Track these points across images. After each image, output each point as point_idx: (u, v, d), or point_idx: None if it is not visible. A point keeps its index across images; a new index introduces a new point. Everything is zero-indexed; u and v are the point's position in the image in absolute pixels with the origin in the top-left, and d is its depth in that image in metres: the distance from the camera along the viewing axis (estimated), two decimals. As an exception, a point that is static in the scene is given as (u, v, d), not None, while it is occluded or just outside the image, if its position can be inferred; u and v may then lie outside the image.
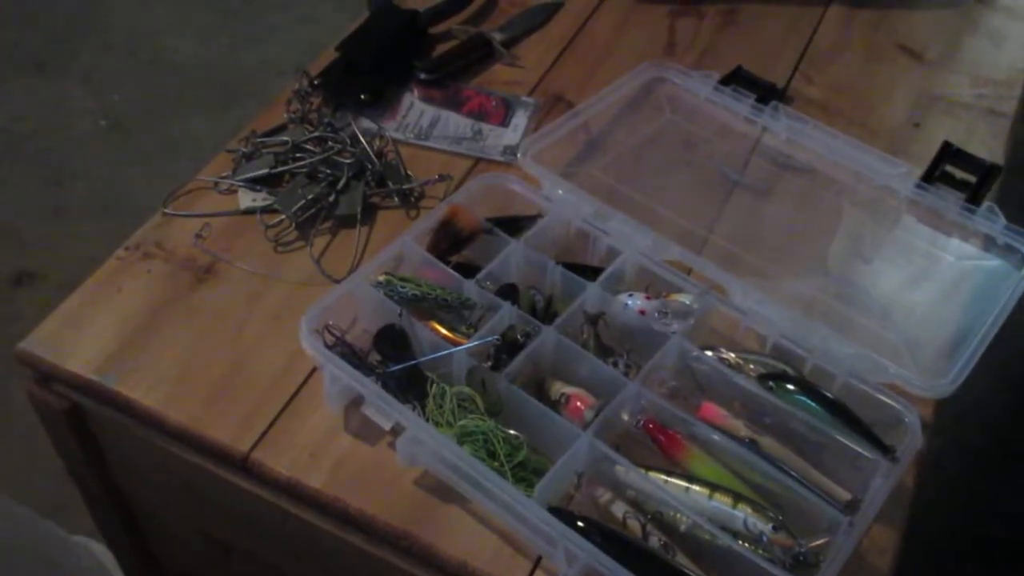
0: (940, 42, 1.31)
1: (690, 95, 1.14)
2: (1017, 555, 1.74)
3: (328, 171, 1.03)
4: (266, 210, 1.01)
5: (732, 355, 0.87)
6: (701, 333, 0.90)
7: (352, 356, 0.83)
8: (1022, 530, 1.77)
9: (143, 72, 2.65)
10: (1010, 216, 1.00)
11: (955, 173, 1.07)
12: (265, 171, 1.03)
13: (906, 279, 1.01)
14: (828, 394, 0.83)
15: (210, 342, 0.91)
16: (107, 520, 1.06)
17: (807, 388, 0.83)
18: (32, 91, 2.59)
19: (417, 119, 1.14)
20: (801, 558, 0.72)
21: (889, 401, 0.82)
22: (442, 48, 1.24)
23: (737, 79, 1.16)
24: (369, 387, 0.79)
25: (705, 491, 0.76)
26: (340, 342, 0.84)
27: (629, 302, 0.88)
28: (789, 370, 0.86)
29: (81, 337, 0.90)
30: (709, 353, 0.86)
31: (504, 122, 1.14)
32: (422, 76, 1.18)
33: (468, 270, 0.90)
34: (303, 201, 1.00)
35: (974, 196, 1.03)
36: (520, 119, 1.15)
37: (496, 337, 0.83)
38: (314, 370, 0.88)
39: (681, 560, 0.73)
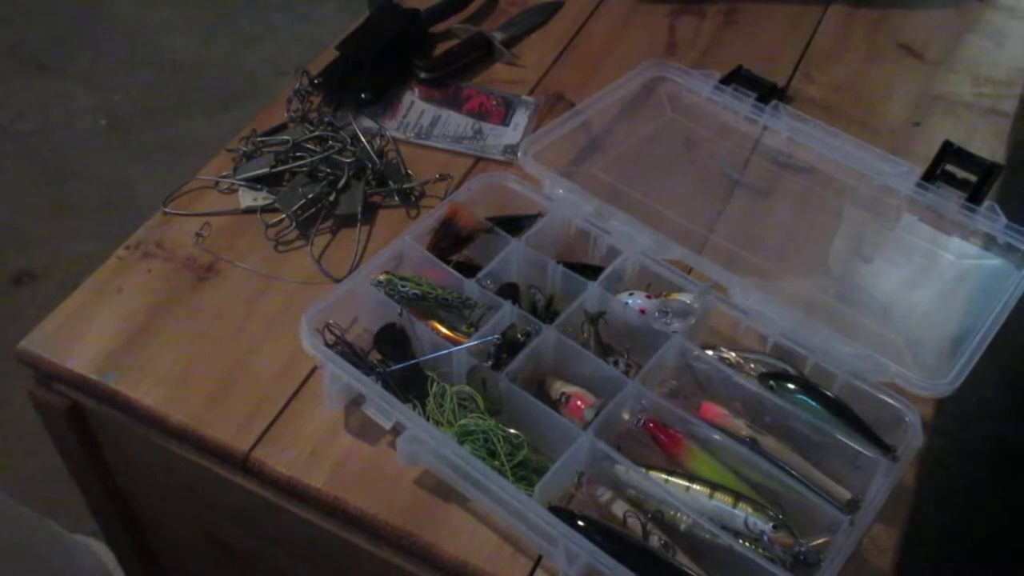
0: (941, 41, 1.31)
1: (691, 94, 1.14)
2: (1018, 554, 1.74)
3: (328, 170, 1.03)
4: (266, 209, 1.01)
5: (733, 354, 0.87)
6: (702, 332, 0.90)
7: (353, 355, 0.83)
8: (1023, 529, 1.77)
9: (144, 71, 2.66)
10: (1011, 215, 1.00)
11: (956, 172, 1.06)
12: (265, 170, 1.03)
13: (907, 278, 1.01)
14: (829, 393, 0.83)
15: (211, 341, 0.91)
16: (107, 519, 1.06)
17: (808, 387, 0.83)
18: (33, 90, 2.59)
19: (418, 118, 1.14)
20: (802, 557, 0.72)
21: (890, 400, 0.82)
22: (443, 47, 1.24)
23: (738, 78, 1.16)
24: (369, 386, 0.79)
25: (706, 490, 0.76)
26: (341, 341, 0.84)
27: (630, 301, 0.88)
28: (790, 369, 0.86)
29: (82, 336, 0.90)
30: (710, 352, 0.86)
31: (505, 121, 1.14)
32: (423, 75, 1.18)
33: (469, 269, 0.90)
34: (303, 200, 1.00)
35: (975, 195, 1.03)
36: (520, 118, 1.15)
37: (496, 336, 0.83)
38: (315, 369, 0.88)
39: (681, 559, 0.73)
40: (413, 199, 1.05)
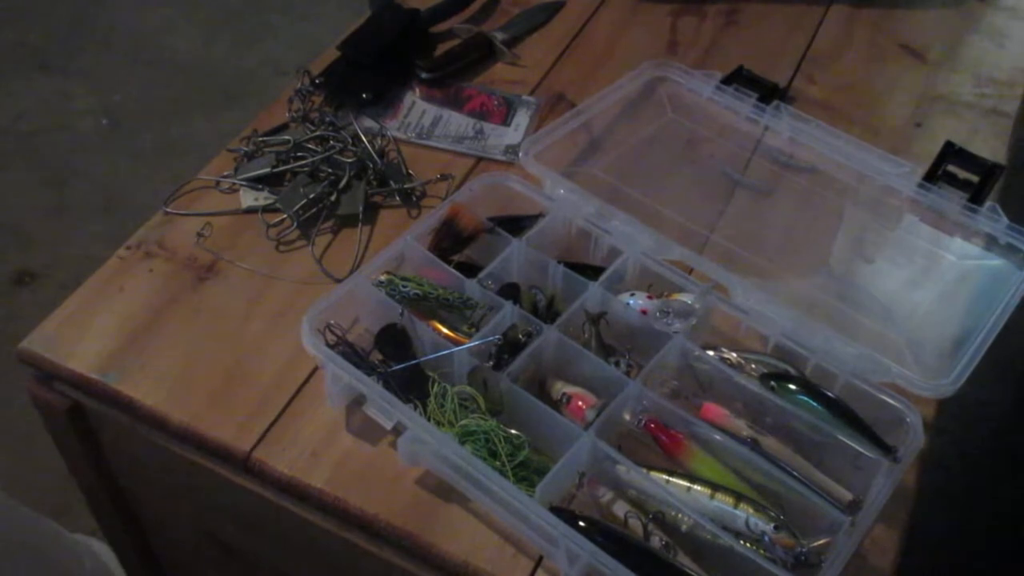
0: (942, 42, 1.31)
1: (692, 94, 1.14)
2: (1019, 555, 1.74)
3: (330, 170, 1.03)
4: (267, 209, 1.01)
5: (734, 355, 0.87)
6: (703, 333, 0.90)
7: (354, 355, 0.83)
8: (1023, 530, 1.77)
9: (144, 71, 2.66)
10: (1012, 216, 1.00)
11: (957, 173, 1.06)
12: (266, 170, 1.03)
13: (908, 279, 1.01)
14: (830, 394, 0.82)
15: (211, 341, 0.91)
16: (108, 519, 1.06)
17: (809, 388, 0.83)
18: (34, 90, 2.59)
19: (419, 118, 1.14)
20: (803, 558, 0.72)
21: (891, 401, 0.82)
22: (444, 47, 1.24)
23: (739, 78, 1.16)
24: (371, 386, 0.79)
25: (707, 491, 0.76)
26: (342, 341, 0.84)
27: (631, 301, 0.88)
28: (791, 370, 0.85)
29: (82, 336, 0.90)
30: (711, 353, 0.86)
31: (506, 121, 1.14)
32: (424, 75, 1.18)
33: (470, 269, 0.90)
34: (304, 200, 1.00)
35: (976, 196, 1.03)
36: (522, 118, 1.15)
37: (498, 336, 0.83)
38: (316, 369, 0.88)
39: (682, 560, 0.73)
40: (414, 199, 1.05)
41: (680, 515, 0.75)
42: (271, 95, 1.17)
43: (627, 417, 0.82)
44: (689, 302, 0.88)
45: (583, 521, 0.73)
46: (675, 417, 0.80)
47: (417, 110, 1.15)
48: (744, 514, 0.74)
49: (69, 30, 2.77)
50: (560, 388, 0.82)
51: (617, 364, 0.84)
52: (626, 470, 0.77)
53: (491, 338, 0.83)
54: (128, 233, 1.00)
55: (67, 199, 2.30)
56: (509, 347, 0.83)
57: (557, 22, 1.31)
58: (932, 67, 1.27)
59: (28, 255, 2.16)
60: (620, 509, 0.76)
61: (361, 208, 1.01)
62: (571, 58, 1.25)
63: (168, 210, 1.02)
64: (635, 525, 0.75)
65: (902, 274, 1.02)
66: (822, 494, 0.76)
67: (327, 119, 1.09)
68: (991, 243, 1.00)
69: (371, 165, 1.04)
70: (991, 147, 1.15)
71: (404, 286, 0.86)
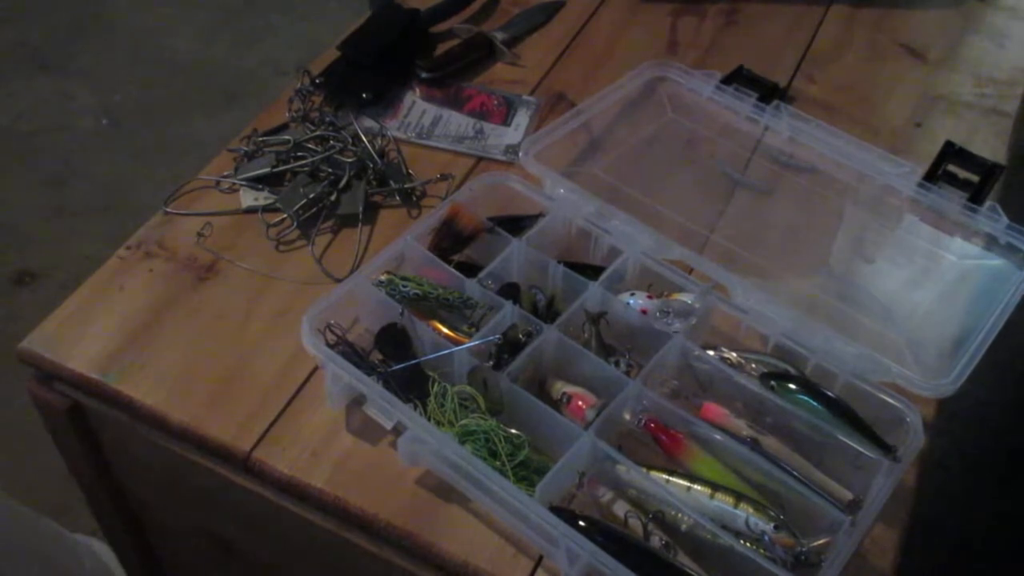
0: (942, 41, 1.31)
1: (692, 94, 1.14)
2: (1018, 555, 1.74)
3: (330, 170, 1.03)
4: (268, 209, 1.01)
5: (734, 354, 0.87)
6: (703, 332, 0.90)
7: (354, 355, 0.83)
8: (1023, 530, 1.77)
9: (145, 71, 2.66)
10: (1012, 215, 1.00)
11: (957, 172, 1.06)
12: (267, 170, 1.03)
13: (908, 278, 1.01)
14: (830, 393, 0.83)
15: (212, 341, 0.91)
16: (108, 519, 1.06)
17: (809, 387, 0.83)
18: (34, 90, 2.59)
19: (419, 118, 1.14)
20: (803, 558, 0.72)
21: (891, 400, 0.82)
22: (444, 47, 1.24)
23: (739, 78, 1.16)
24: (371, 386, 0.79)
25: (707, 490, 0.76)
26: (342, 341, 0.84)
27: (631, 301, 0.88)
28: (791, 369, 0.85)
29: (83, 336, 0.90)
30: (711, 352, 0.86)
31: (506, 121, 1.14)
32: (424, 75, 1.18)
33: (470, 269, 0.90)
34: (304, 200, 1.00)
35: (976, 195, 1.03)
36: (522, 118, 1.15)
37: (498, 336, 0.83)
38: (316, 369, 0.88)
39: (682, 560, 0.73)
40: (414, 199, 1.05)
41: (680, 515, 0.75)
42: (271, 95, 1.17)
43: (627, 417, 0.82)
44: (689, 302, 0.88)
45: (583, 521, 0.73)
46: (675, 417, 0.80)
47: (417, 110, 1.15)
48: (744, 514, 0.74)
49: (69, 30, 2.77)
50: (560, 388, 0.82)
51: (617, 364, 0.84)
52: (626, 470, 0.77)
53: (491, 338, 0.83)
54: (128, 233, 1.00)
55: (67, 199, 2.30)
56: (509, 347, 0.83)
57: (557, 22, 1.31)
58: (932, 67, 1.27)
59: (28, 255, 2.16)
60: (620, 509, 0.76)
61: (361, 208, 1.01)
62: (571, 58, 1.25)
63: (168, 210, 1.02)
64: (635, 525, 0.75)
65: (902, 274, 1.02)
66: (822, 494, 0.76)
67: (327, 119, 1.09)
68: (991, 243, 1.00)
69: (371, 165, 1.04)
70: (991, 147, 1.15)
71: (404, 286, 0.86)
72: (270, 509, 0.84)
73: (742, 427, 0.81)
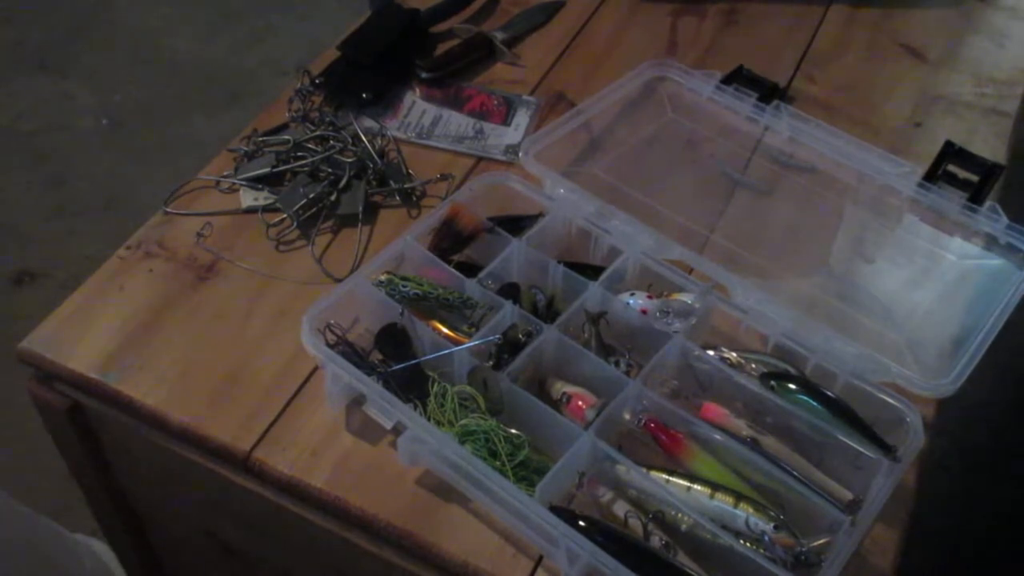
0: (942, 41, 1.31)
1: (692, 94, 1.14)
2: (1018, 555, 1.74)
3: (330, 170, 1.03)
4: (268, 209, 1.01)
5: (734, 354, 0.87)
6: (703, 332, 0.90)
7: (354, 355, 0.83)
8: (1023, 530, 1.77)
9: (145, 71, 2.66)
10: (1012, 215, 1.00)
11: (957, 172, 1.06)
12: (267, 170, 1.03)
13: (908, 278, 1.01)
14: (830, 393, 0.83)
15: (212, 341, 0.91)
16: (108, 519, 1.06)
17: (809, 387, 0.83)
18: (34, 90, 2.59)
19: (419, 118, 1.14)
20: (803, 558, 0.72)
21: (891, 400, 0.82)
22: (444, 47, 1.24)
23: (739, 78, 1.16)
24: (371, 386, 0.79)
25: (707, 490, 0.76)
26: (342, 341, 0.84)
27: (631, 301, 0.88)
28: (791, 369, 0.85)
29: (83, 336, 0.90)
30: (711, 352, 0.86)
31: (506, 121, 1.14)
32: (424, 75, 1.18)
33: (470, 269, 0.90)
34: (304, 200, 1.00)
35: (976, 195, 1.03)
36: (522, 118, 1.15)
37: (498, 336, 0.83)
38: (316, 369, 0.88)
39: (682, 560, 0.73)
40: (414, 199, 1.05)
41: (680, 515, 0.75)
42: (271, 95, 1.17)
43: (627, 417, 0.82)
44: (689, 302, 0.88)
45: (583, 521, 0.73)
46: (675, 417, 0.80)
47: (417, 110, 1.15)
48: (744, 514, 0.74)
49: (69, 30, 2.77)
50: (560, 388, 0.82)
51: (617, 364, 0.84)
52: (626, 470, 0.77)
53: (491, 338, 0.83)
54: (128, 233, 1.00)
55: (67, 199, 2.30)
56: (509, 347, 0.83)
57: (557, 22, 1.31)
58: (932, 67, 1.27)
59: (28, 255, 2.16)
60: (620, 509, 0.76)
61: (361, 208, 1.01)
62: (571, 58, 1.25)
63: (168, 210, 1.02)
64: (635, 525, 0.75)
65: (902, 274, 1.02)
66: (822, 494, 0.76)
67: (327, 119, 1.09)
68: (991, 243, 1.00)
69: (371, 165, 1.04)
70: (991, 147, 1.15)
71: (404, 286, 0.86)
72: (270, 509, 0.84)
73: (742, 427, 0.81)
